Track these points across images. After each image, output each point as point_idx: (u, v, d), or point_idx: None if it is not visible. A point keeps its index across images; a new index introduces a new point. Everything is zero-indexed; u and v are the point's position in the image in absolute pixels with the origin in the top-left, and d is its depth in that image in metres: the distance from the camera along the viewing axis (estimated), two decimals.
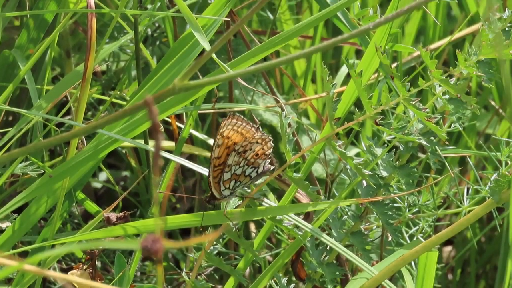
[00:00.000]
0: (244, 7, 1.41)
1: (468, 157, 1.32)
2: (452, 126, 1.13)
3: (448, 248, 1.51)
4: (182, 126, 1.23)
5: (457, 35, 1.42)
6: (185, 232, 1.45)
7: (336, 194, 1.27)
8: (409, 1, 1.35)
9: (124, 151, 1.42)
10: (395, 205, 1.13)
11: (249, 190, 1.08)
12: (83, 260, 1.10)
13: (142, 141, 1.26)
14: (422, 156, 1.37)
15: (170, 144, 1.33)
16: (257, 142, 1.03)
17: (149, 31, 1.40)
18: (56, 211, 1.11)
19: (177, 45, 1.12)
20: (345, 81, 1.44)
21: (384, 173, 1.13)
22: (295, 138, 1.06)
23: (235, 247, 1.34)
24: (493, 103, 1.50)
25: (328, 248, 1.14)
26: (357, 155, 1.38)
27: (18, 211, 1.12)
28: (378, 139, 1.15)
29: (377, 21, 0.81)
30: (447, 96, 1.09)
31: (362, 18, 1.15)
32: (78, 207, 1.33)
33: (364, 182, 1.14)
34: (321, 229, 1.10)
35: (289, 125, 1.05)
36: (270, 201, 1.07)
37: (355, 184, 1.13)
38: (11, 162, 1.17)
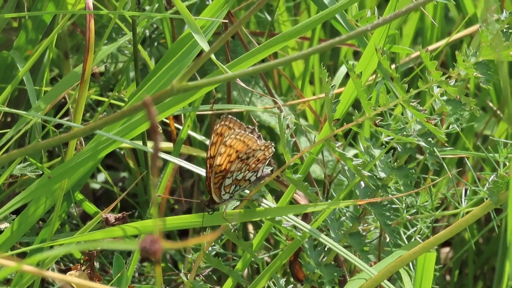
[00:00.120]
0: (242, 9, 1.41)
1: (466, 158, 1.32)
2: (450, 127, 1.14)
3: (446, 250, 1.51)
4: (180, 127, 1.23)
5: (455, 36, 1.42)
6: (183, 233, 1.46)
7: (334, 195, 1.27)
8: (407, 3, 1.35)
9: (122, 152, 1.42)
10: (393, 206, 1.13)
11: (248, 191, 1.08)
12: (82, 261, 1.10)
13: (140, 142, 1.26)
14: (420, 157, 1.37)
15: (168, 145, 1.33)
16: (260, 149, 1.04)
17: (147, 32, 1.41)
18: (54, 212, 1.11)
19: (175, 46, 1.12)
20: (343, 83, 1.44)
21: (382, 174, 1.13)
22: (293, 139, 1.06)
23: (233, 248, 1.34)
24: (491, 104, 1.50)
25: (326, 249, 1.14)
26: (355, 156, 1.38)
27: (17, 212, 1.12)
28: (376, 140, 1.16)
29: (375, 22, 0.81)
30: (445, 98, 1.09)
31: (360, 19, 1.15)
32: (76, 208, 1.33)
33: (362, 183, 1.14)
34: (319, 230, 1.10)
35: (288, 126, 1.05)
36: (269, 202, 1.07)
37: (353, 185, 1.13)
38: (9, 163, 1.17)
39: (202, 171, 1.10)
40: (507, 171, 1.13)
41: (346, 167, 1.11)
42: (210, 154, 1.04)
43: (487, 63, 1.08)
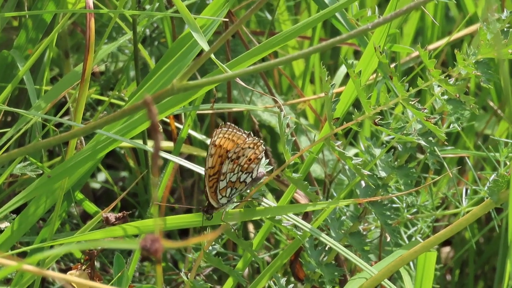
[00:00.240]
0: (242, 8, 1.41)
1: (466, 158, 1.32)
2: (451, 126, 1.14)
3: (446, 249, 1.51)
4: (181, 127, 1.23)
5: (456, 35, 1.42)
6: (183, 233, 1.46)
7: (335, 194, 1.27)
8: (408, 2, 1.35)
9: (122, 152, 1.42)
10: (394, 205, 1.13)
11: (248, 191, 1.07)
12: (82, 261, 1.10)
13: (140, 142, 1.26)
14: (421, 156, 1.37)
15: (168, 144, 1.33)
16: (249, 147, 1.03)
17: (148, 32, 1.41)
18: (55, 212, 1.11)
19: (175, 45, 1.12)
20: (344, 82, 1.44)
21: (383, 174, 1.13)
22: (293, 139, 1.06)
23: (233, 247, 1.34)
24: (491, 103, 1.50)
25: (327, 248, 1.14)
26: (356, 155, 1.38)
27: (17, 211, 1.12)
28: (376, 139, 1.16)
29: (376, 21, 0.81)
30: (445, 97, 1.09)
31: (360, 18, 1.15)
32: (76, 207, 1.33)
33: (363, 183, 1.14)
34: (320, 230, 1.10)
35: (288, 125, 1.05)
36: (269, 201, 1.07)
37: (353, 185, 1.13)
38: (10, 162, 1.16)
39: (202, 171, 1.10)
40: (508, 170, 1.13)
41: (346, 167, 1.11)
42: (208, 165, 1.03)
43: (487, 62, 1.08)
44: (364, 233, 1.15)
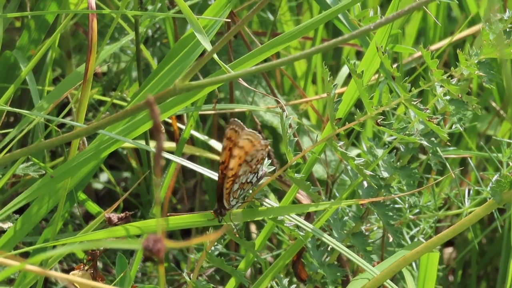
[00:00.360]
0: (244, 8, 1.41)
1: (469, 158, 1.32)
2: (453, 127, 1.14)
3: (449, 250, 1.51)
4: (183, 127, 1.23)
5: (458, 36, 1.42)
6: (185, 233, 1.46)
7: (337, 195, 1.27)
8: (410, 2, 1.35)
9: (125, 152, 1.42)
10: (396, 206, 1.13)
11: (250, 191, 1.08)
12: (85, 261, 1.10)
13: (143, 142, 1.26)
14: (423, 157, 1.37)
15: (171, 144, 1.33)
16: (261, 149, 1.03)
17: (150, 32, 1.41)
18: (57, 212, 1.11)
19: (177, 46, 1.12)
20: (346, 82, 1.44)
21: (385, 174, 1.13)
22: (296, 139, 1.06)
23: (236, 248, 1.34)
24: (494, 104, 1.50)
25: (329, 249, 1.14)
26: (358, 156, 1.38)
27: (20, 211, 1.12)
28: (379, 140, 1.16)
29: (378, 21, 0.81)
30: (448, 97, 1.09)
31: (362, 19, 1.15)
32: (79, 207, 1.33)
33: (365, 183, 1.14)
34: (322, 230, 1.10)
35: (290, 126, 1.05)
36: (271, 201, 1.07)
37: (356, 185, 1.13)
38: (12, 162, 1.17)
39: (204, 171, 1.10)
40: (511, 171, 1.13)
41: (348, 167, 1.11)
42: (221, 159, 1.02)
43: (490, 63, 1.07)
44: (367, 233, 1.15)
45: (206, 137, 1.34)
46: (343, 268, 1.14)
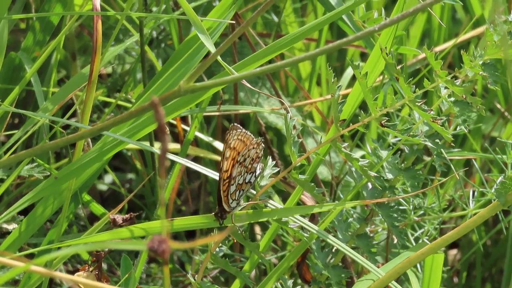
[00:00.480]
0: (249, 10, 1.41)
1: (473, 160, 1.31)
2: (458, 128, 1.13)
3: (453, 251, 1.51)
4: (188, 129, 1.23)
5: (462, 37, 1.42)
6: (190, 235, 1.46)
7: (342, 196, 1.27)
8: (415, 4, 1.35)
9: (129, 154, 1.42)
10: (401, 207, 1.13)
11: (255, 192, 1.08)
12: (89, 262, 1.10)
13: (147, 143, 1.26)
14: (428, 158, 1.37)
15: (175, 146, 1.33)
16: (253, 148, 1.03)
17: (154, 34, 1.41)
18: (62, 213, 1.11)
19: (182, 47, 1.12)
20: (350, 84, 1.44)
21: (390, 176, 1.13)
22: (300, 140, 1.06)
23: (240, 249, 1.34)
24: (498, 106, 1.50)
25: (333, 250, 1.14)
26: (362, 157, 1.38)
27: (25, 213, 1.12)
28: (383, 141, 1.16)
29: (383, 23, 0.81)
30: (452, 99, 1.09)
31: (367, 20, 1.15)
32: (84, 209, 1.33)
33: (370, 185, 1.14)
34: (327, 232, 1.10)
35: (294, 127, 1.05)
36: (276, 203, 1.07)
37: (360, 187, 1.13)
38: (17, 164, 1.17)
39: (209, 172, 1.10)
40: None
41: (353, 168, 1.11)
42: (221, 164, 1.03)
43: (494, 64, 1.07)
44: (371, 235, 1.15)
45: (211, 139, 1.34)
46: (347, 269, 1.14)
